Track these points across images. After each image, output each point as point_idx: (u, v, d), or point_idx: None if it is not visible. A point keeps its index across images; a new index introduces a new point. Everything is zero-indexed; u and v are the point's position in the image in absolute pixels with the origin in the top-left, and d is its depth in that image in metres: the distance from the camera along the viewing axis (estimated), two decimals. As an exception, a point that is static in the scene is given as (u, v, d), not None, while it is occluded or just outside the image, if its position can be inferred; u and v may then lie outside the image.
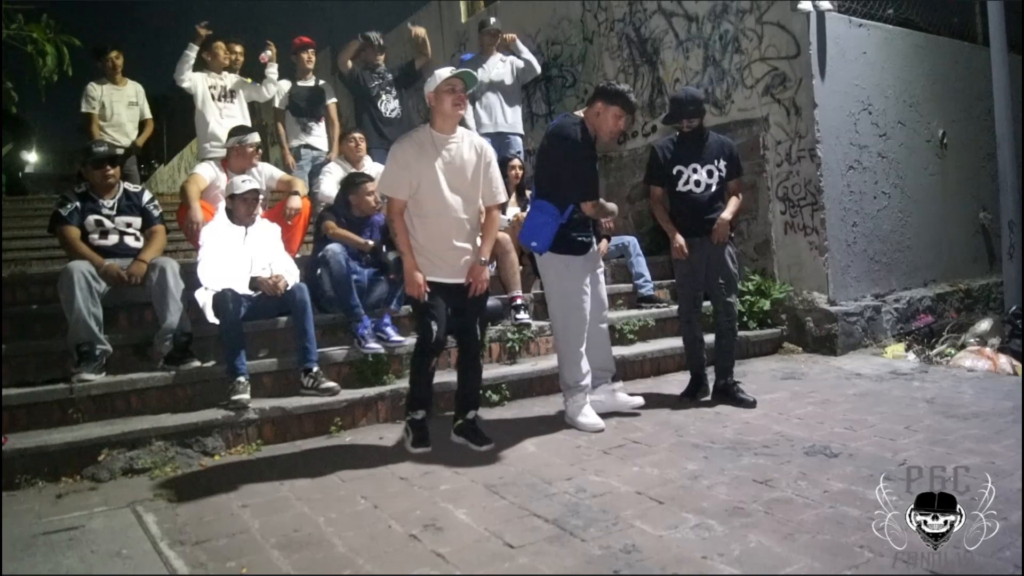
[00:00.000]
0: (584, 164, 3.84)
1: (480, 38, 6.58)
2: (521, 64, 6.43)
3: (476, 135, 3.85)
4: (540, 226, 3.85)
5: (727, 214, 4.27)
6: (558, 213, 3.81)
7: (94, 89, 5.99)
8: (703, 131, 4.35)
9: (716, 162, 4.29)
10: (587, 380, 3.91)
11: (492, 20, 6.62)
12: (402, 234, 3.53)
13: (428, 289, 3.48)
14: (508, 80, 6.36)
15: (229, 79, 5.97)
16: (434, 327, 3.52)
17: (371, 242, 4.56)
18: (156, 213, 4.36)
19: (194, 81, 5.83)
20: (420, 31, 6.30)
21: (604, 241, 4.09)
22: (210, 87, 5.86)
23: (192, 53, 5.77)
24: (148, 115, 6.39)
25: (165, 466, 3.40)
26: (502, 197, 3.66)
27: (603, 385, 4.16)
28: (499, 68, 6.36)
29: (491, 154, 3.68)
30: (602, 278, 4.15)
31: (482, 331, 3.73)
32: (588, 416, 3.87)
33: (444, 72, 3.48)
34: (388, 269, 4.52)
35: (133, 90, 6.26)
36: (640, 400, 4.20)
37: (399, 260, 4.55)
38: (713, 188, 4.29)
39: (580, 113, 3.94)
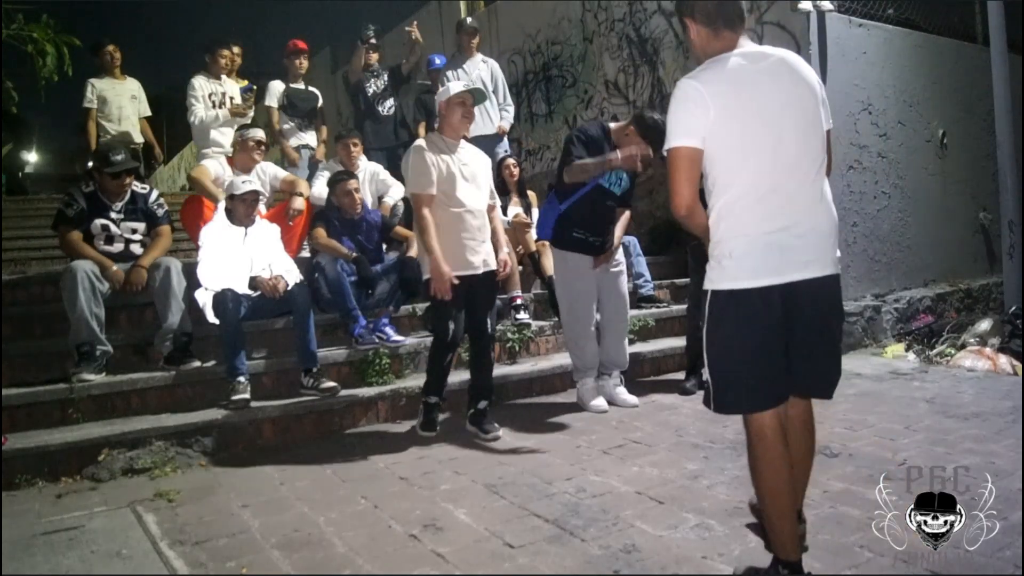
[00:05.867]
0: (575, 147, 3.95)
1: (459, 38, 6.52)
2: (501, 76, 6.48)
3: (473, 146, 4.01)
4: (543, 214, 4.33)
5: None
6: (557, 202, 4.15)
7: (95, 84, 6.06)
8: None
9: None
10: (592, 364, 4.21)
11: (468, 20, 6.62)
12: (428, 230, 3.57)
13: (456, 281, 3.55)
14: (488, 82, 6.32)
15: (228, 85, 5.94)
16: (451, 327, 3.70)
17: (354, 253, 4.53)
18: (161, 212, 4.29)
19: (194, 88, 5.82)
20: (416, 32, 6.28)
21: (614, 247, 4.22)
22: (210, 94, 5.82)
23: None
24: (148, 112, 6.46)
25: (165, 466, 3.40)
26: (495, 200, 3.98)
27: (607, 378, 4.32)
28: (480, 70, 6.35)
29: (487, 160, 4.00)
30: (622, 275, 4.33)
31: (493, 324, 3.88)
32: (596, 400, 4.17)
33: (457, 86, 3.80)
34: (371, 283, 4.48)
35: (135, 85, 6.36)
36: (635, 400, 4.26)
37: (395, 262, 4.58)
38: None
39: (614, 124, 4.13)
